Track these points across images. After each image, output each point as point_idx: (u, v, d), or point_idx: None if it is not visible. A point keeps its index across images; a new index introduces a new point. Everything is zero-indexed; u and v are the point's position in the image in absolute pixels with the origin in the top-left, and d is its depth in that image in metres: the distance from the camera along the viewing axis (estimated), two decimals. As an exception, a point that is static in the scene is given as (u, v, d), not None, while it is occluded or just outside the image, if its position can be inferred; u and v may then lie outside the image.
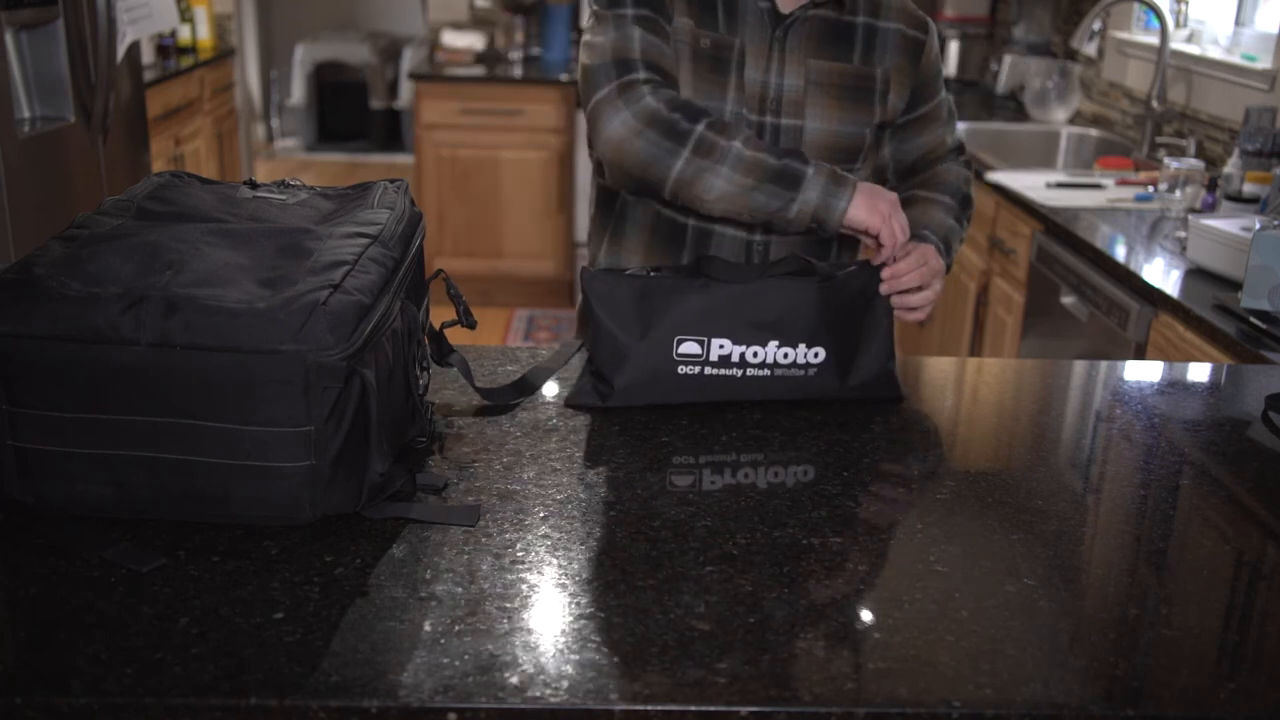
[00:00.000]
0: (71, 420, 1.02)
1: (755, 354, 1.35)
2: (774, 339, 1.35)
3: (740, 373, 1.36)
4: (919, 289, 1.47)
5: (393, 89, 7.88)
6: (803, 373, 1.38)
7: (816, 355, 1.37)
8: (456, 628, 0.93)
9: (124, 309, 1.00)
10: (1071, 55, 4.17)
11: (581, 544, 1.07)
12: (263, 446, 1.02)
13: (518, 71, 5.03)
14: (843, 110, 1.58)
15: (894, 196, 1.48)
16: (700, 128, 1.44)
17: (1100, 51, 3.98)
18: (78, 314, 1.00)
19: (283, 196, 1.26)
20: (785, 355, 1.36)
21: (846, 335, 1.39)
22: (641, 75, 1.47)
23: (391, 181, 1.32)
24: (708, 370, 1.35)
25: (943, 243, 1.56)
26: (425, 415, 1.22)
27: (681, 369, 1.35)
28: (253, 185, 1.29)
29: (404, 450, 1.22)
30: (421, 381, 1.24)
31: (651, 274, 1.37)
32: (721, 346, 1.35)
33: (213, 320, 0.99)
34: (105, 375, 1.01)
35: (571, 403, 1.38)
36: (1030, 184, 3.03)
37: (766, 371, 1.36)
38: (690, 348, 1.34)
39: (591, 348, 1.38)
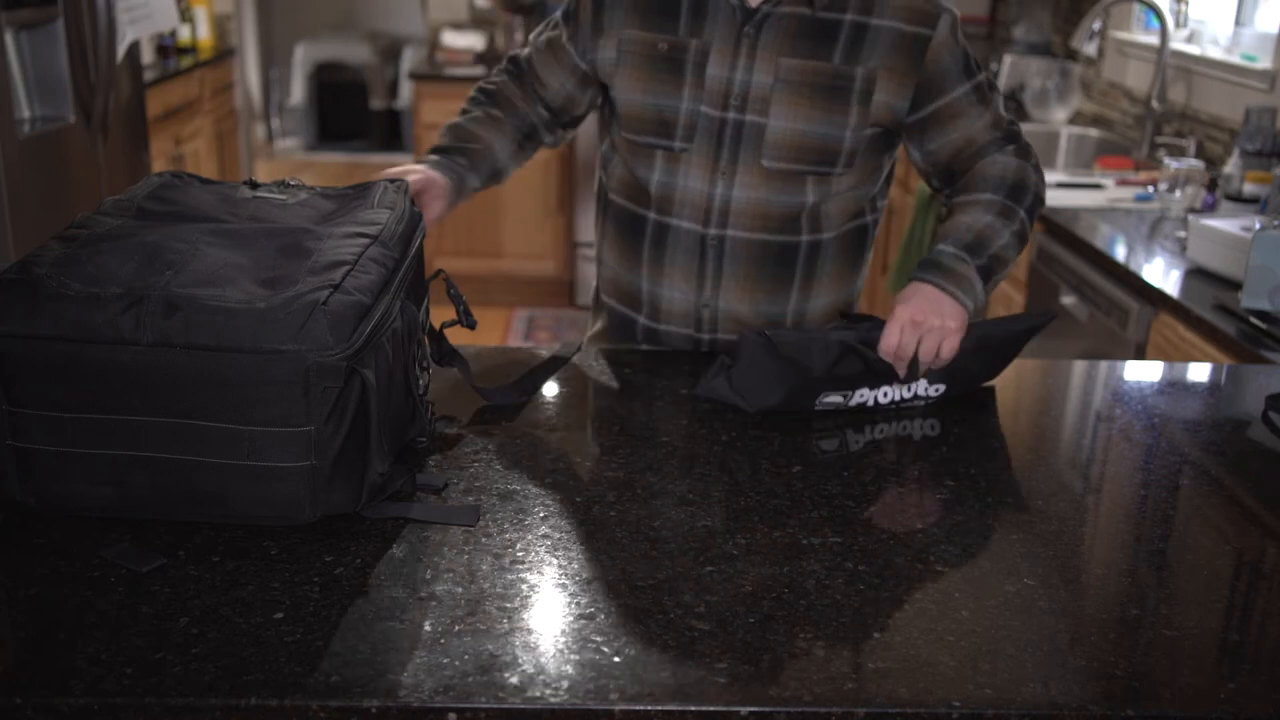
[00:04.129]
0: (71, 420, 1.02)
1: (885, 393, 1.41)
2: (901, 383, 1.42)
3: (872, 408, 1.43)
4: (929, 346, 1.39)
5: (393, 89, 7.88)
6: (923, 403, 1.44)
7: (937, 390, 1.43)
8: (456, 628, 0.93)
9: (124, 309, 1.00)
10: (1071, 55, 4.17)
11: (581, 544, 1.07)
12: (263, 447, 1.02)
13: (518, 71, 5.02)
14: (813, 110, 1.53)
15: None
16: (464, 106, 1.71)
17: (1100, 51, 3.99)
18: (78, 314, 1.00)
19: (283, 196, 1.26)
20: (909, 390, 1.42)
21: (969, 371, 1.45)
22: (508, 66, 1.74)
23: (391, 181, 1.32)
24: (844, 411, 1.42)
25: (968, 248, 1.48)
26: (425, 415, 1.22)
27: (820, 409, 1.41)
28: (253, 185, 1.29)
29: (404, 450, 1.22)
30: (421, 381, 1.24)
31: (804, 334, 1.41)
32: (861, 395, 1.40)
33: (213, 320, 0.99)
34: (105, 375, 1.01)
35: (702, 393, 1.42)
36: (1030, 184, 3.02)
37: (893, 407, 1.43)
38: (833, 399, 1.40)
39: (738, 379, 1.39)
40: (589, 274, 4.88)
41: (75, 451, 1.04)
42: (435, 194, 1.51)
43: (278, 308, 1.00)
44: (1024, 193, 1.55)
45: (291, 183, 1.30)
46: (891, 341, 1.38)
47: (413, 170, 1.51)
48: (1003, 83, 4.45)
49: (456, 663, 0.89)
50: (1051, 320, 1.49)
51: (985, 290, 1.48)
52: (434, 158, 1.58)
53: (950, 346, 1.39)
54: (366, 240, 1.14)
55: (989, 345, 1.45)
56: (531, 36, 1.71)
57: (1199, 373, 1.67)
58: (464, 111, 1.69)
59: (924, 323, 1.39)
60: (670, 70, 1.55)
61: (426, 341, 1.29)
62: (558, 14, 1.68)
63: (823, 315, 1.66)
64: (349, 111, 7.85)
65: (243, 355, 0.99)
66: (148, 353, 1.00)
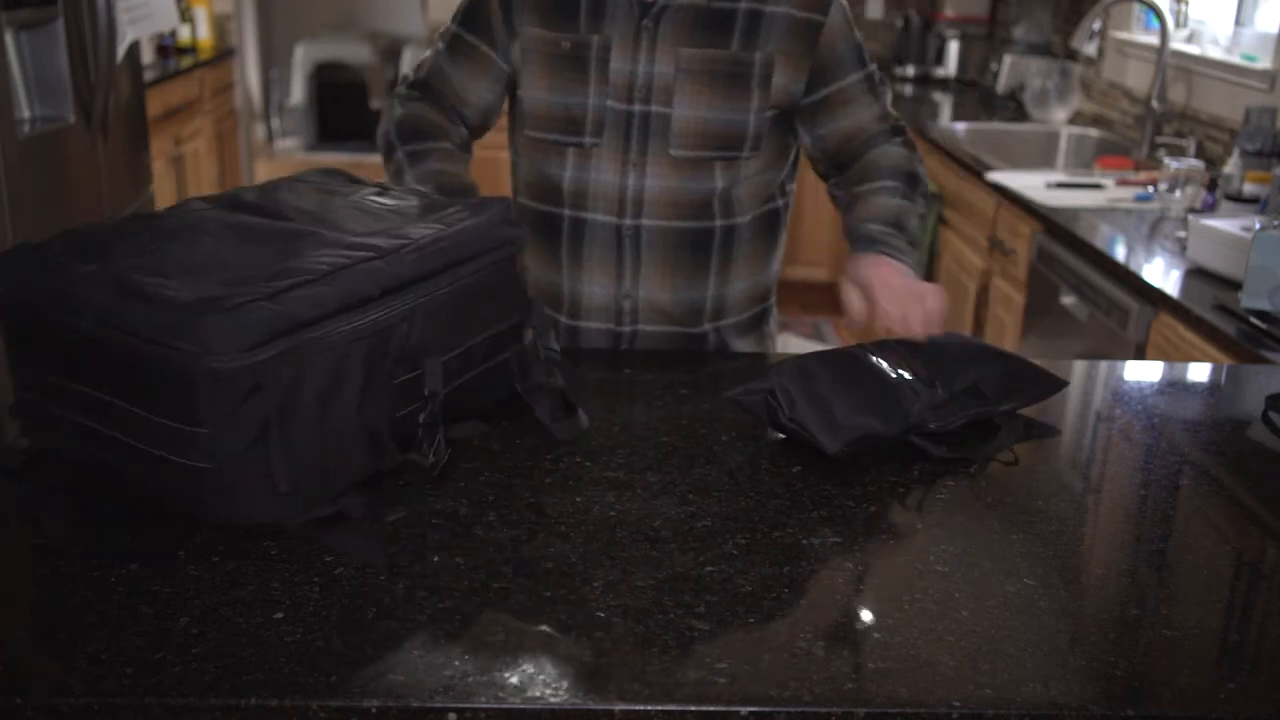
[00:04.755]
0: (52, 380, 1.09)
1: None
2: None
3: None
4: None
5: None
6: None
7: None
8: (457, 628, 0.93)
9: (83, 282, 1.04)
10: (1071, 55, 4.17)
11: (582, 544, 1.07)
12: (167, 440, 1.03)
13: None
14: (714, 97, 1.56)
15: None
16: (399, 154, 1.61)
17: (1100, 51, 3.99)
18: (53, 284, 1.06)
19: (387, 201, 1.26)
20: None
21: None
22: (403, 91, 1.70)
23: (499, 200, 1.28)
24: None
25: (893, 226, 1.53)
26: (390, 448, 1.14)
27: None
28: (382, 190, 1.29)
29: (375, 474, 1.15)
30: (421, 415, 1.17)
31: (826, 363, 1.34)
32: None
33: (141, 309, 1.01)
34: (67, 343, 1.06)
35: (737, 399, 1.32)
36: (1030, 184, 3.03)
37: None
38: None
39: (791, 405, 1.28)
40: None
41: (51, 405, 1.09)
42: None
43: (192, 305, 1.00)
44: (918, 182, 1.63)
45: (425, 191, 1.29)
46: (896, 312, 1.39)
47: None
48: (1003, 83, 4.46)
49: (456, 663, 0.89)
50: (1062, 388, 1.43)
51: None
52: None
53: (937, 313, 1.41)
54: (365, 254, 1.11)
55: (1014, 384, 1.39)
56: (430, 57, 1.69)
57: (1199, 373, 1.67)
58: (424, 154, 1.59)
59: (911, 291, 1.41)
60: (575, 68, 1.58)
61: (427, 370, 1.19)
62: (454, 27, 1.65)
63: (742, 300, 1.70)
64: (349, 111, 7.84)
65: (154, 346, 1.00)
66: (95, 328, 1.03)
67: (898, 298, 1.41)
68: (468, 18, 1.64)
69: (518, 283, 1.31)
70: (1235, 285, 2.15)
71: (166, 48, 4.82)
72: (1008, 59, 4.45)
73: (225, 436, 1.01)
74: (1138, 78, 3.68)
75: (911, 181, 1.62)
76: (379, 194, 1.31)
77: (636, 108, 1.58)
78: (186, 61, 4.81)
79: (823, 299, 5.02)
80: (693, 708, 0.85)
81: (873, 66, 1.64)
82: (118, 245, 1.11)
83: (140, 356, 1.01)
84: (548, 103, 1.60)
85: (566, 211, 1.64)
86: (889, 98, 1.67)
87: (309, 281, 1.06)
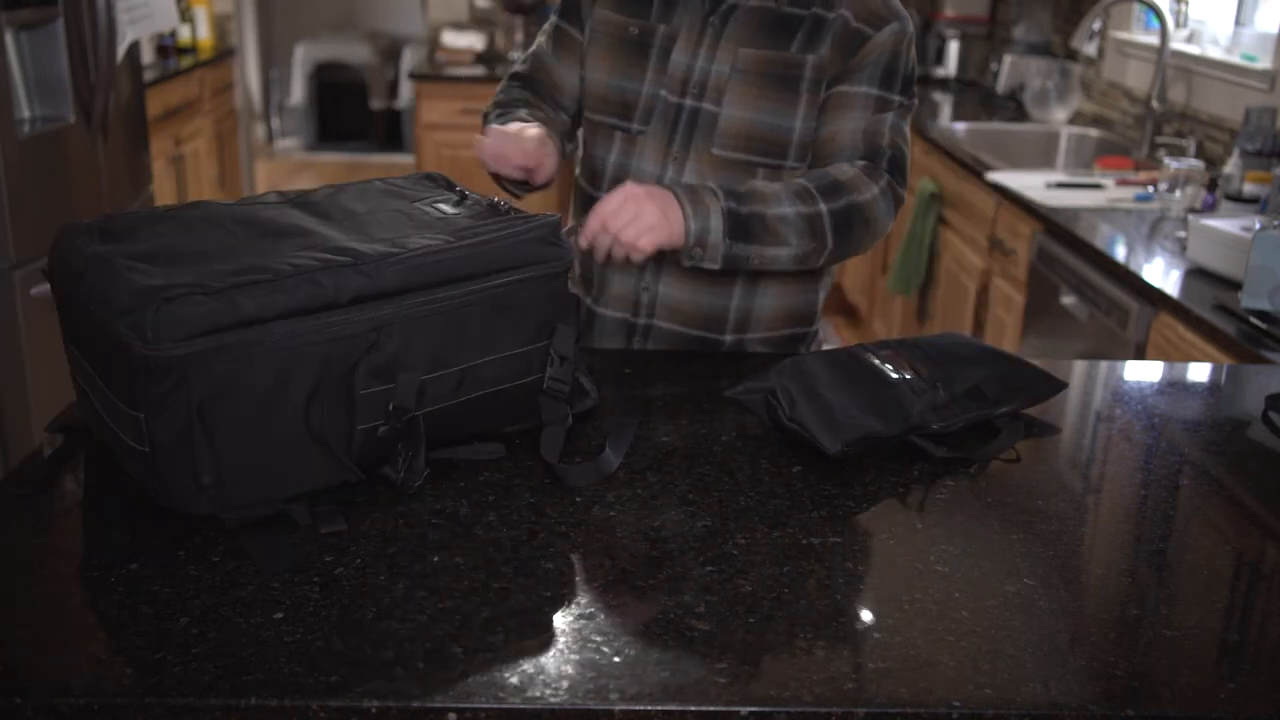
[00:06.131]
0: (72, 347, 1.17)
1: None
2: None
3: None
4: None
5: (393, 89, 7.88)
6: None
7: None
8: (457, 628, 0.93)
9: (88, 261, 1.08)
10: (1071, 55, 4.17)
11: (582, 544, 1.07)
12: (120, 420, 1.06)
13: (518, 71, 5.03)
14: (762, 98, 1.55)
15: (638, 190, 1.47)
16: (490, 123, 1.65)
17: (1100, 51, 3.99)
18: (68, 259, 1.12)
19: (448, 210, 1.25)
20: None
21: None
22: (505, 83, 1.76)
23: (552, 227, 1.23)
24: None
25: (727, 193, 1.46)
26: (351, 467, 1.11)
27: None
28: (462, 197, 1.28)
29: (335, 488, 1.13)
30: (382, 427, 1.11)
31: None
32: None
33: (109, 290, 1.04)
34: (78, 316, 1.11)
35: (738, 398, 1.34)
36: (1030, 184, 3.03)
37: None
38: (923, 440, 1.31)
39: (791, 405, 1.28)
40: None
41: (80, 379, 1.17)
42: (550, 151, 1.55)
43: (137, 293, 1.01)
44: (839, 194, 1.51)
45: (501, 205, 1.25)
46: (596, 224, 1.41)
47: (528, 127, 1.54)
48: (1003, 83, 4.46)
49: (456, 663, 0.89)
50: (1061, 390, 1.42)
51: (731, 245, 1.46)
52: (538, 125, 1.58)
53: (646, 242, 1.41)
54: (342, 260, 1.09)
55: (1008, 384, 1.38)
56: (533, 50, 1.73)
57: (1199, 373, 1.67)
58: (504, 116, 1.64)
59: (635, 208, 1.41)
60: (637, 54, 1.60)
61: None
62: (553, 17, 1.71)
63: (773, 316, 1.66)
64: (349, 111, 7.85)
65: (111, 328, 1.02)
66: (86, 305, 1.07)
67: (604, 205, 1.42)
68: (565, 8, 1.68)
69: (558, 304, 1.24)
70: (1235, 285, 2.16)
71: (166, 48, 4.82)
72: (1008, 59, 4.45)
73: (155, 423, 1.03)
74: (1138, 78, 3.68)
75: (829, 190, 1.51)
76: (454, 203, 1.27)
77: (688, 102, 1.58)
78: (186, 61, 4.81)
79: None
80: (693, 708, 0.85)
81: (900, 98, 1.57)
82: (139, 232, 1.14)
83: (106, 335, 1.04)
84: (605, 85, 1.63)
85: (604, 195, 1.62)
86: (896, 139, 1.57)
87: (264, 281, 1.04)
